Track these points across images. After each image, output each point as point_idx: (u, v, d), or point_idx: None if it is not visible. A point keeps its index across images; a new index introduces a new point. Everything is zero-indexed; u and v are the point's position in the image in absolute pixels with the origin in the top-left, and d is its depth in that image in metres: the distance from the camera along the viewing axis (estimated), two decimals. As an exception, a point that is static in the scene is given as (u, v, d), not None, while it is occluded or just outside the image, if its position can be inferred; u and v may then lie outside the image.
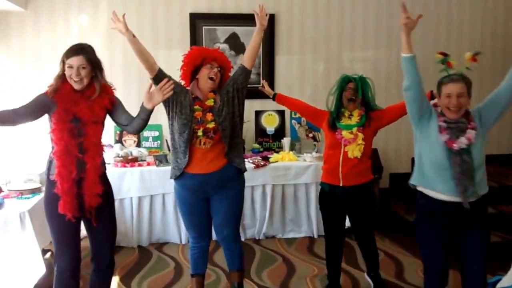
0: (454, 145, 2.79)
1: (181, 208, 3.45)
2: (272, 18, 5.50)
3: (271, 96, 4.05)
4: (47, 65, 5.03)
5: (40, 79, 4.99)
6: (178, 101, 3.31)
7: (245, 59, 3.42)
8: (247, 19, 5.44)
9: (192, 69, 3.37)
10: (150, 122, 5.19)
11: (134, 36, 3.24)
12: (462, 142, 2.78)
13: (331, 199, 3.64)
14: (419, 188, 3.02)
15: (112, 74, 5.03)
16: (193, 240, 3.51)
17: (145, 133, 5.37)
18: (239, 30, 5.51)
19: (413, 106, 2.89)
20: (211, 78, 3.30)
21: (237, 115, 3.37)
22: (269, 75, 5.63)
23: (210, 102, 3.30)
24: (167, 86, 3.03)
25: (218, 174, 3.29)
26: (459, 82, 2.81)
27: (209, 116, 3.27)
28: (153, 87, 3.14)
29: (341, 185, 3.56)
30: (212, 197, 3.36)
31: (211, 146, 3.27)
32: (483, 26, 6.00)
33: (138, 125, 3.08)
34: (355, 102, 3.57)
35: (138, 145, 5.35)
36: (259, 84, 5.59)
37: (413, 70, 2.83)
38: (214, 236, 4.80)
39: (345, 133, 3.55)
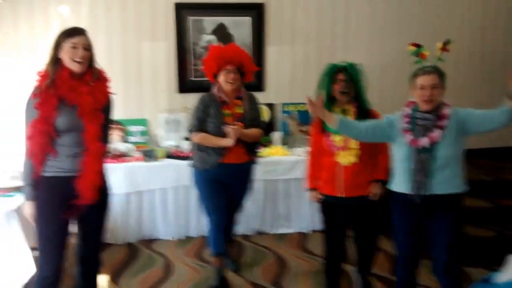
0: (416, 144, 2.88)
1: (215, 196, 3.69)
2: (261, 7, 5.36)
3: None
4: (27, 59, 4.88)
5: (20, 72, 4.85)
6: (207, 114, 3.61)
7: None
8: (235, 9, 5.36)
9: (212, 76, 3.65)
10: (135, 117, 5.19)
11: None
12: (424, 142, 2.85)
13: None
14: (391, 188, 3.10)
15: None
16: (219, 220, 3.68)
17: (132, 128, 5.24)
18: (226, 20, 5.35)
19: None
20: (229, 83, 3.57)
21: None
22: (259, 66, 5.47)
23: (239, 110, 3.67)
24: None
25: (240, 166, 3.71)
26: (432, 74, 2.87)
27: (240, 124, 3.61)
28: None
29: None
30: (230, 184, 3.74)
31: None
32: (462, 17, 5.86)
33: None
34: (349, 95, 3.21)
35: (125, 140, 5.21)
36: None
37: (351, 132, 3.02)
38: (203, 231, 4.78)
39: (336, 138, 3.24)
